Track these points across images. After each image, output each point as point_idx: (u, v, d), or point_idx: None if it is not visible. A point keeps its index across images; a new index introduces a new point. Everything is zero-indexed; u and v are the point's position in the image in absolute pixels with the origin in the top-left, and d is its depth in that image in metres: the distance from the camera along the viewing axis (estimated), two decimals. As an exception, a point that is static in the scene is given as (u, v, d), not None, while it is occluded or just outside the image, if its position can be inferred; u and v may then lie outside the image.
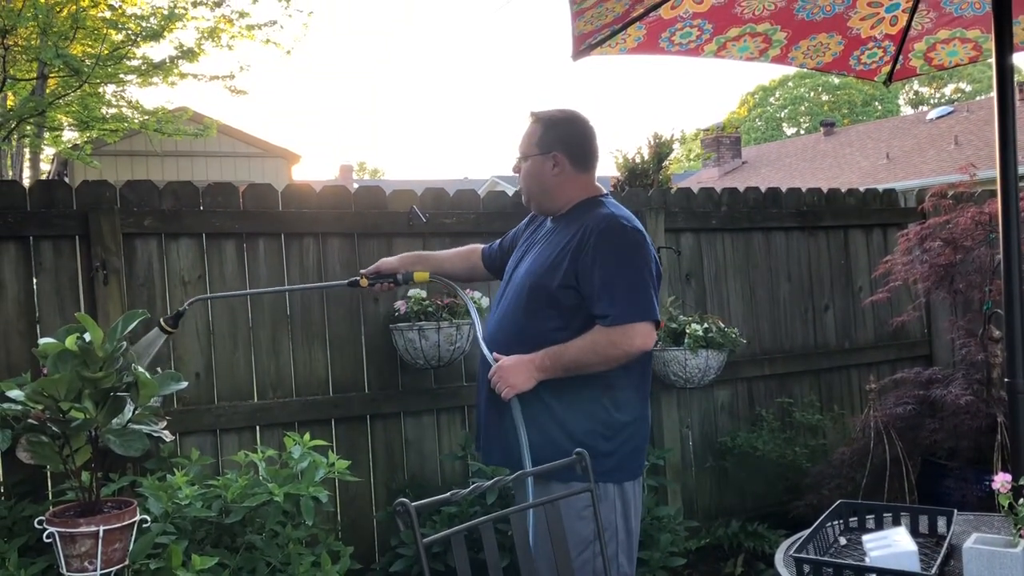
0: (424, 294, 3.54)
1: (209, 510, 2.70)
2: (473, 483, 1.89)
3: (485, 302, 3.58)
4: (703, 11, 2.67)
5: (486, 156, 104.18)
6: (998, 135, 2.14)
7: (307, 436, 2.94)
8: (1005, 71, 2.17)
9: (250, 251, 3.48)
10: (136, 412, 2.35)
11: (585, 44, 2.69)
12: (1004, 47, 2.20)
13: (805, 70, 3.21)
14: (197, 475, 2.86)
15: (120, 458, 2.56)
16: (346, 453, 3.47)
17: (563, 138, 2.49)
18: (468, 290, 3.58)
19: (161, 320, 2.84)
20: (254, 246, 3.49)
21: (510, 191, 4.31)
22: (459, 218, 3.84)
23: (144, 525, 2.43)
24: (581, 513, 2.32)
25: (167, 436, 2.47)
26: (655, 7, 2.60)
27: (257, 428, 3.45)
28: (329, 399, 3.56)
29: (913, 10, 2.84)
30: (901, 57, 3.06)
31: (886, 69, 3.12)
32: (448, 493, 1.73)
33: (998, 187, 2.16)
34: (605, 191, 2.58)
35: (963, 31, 2.91)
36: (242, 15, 10.68)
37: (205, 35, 10.61)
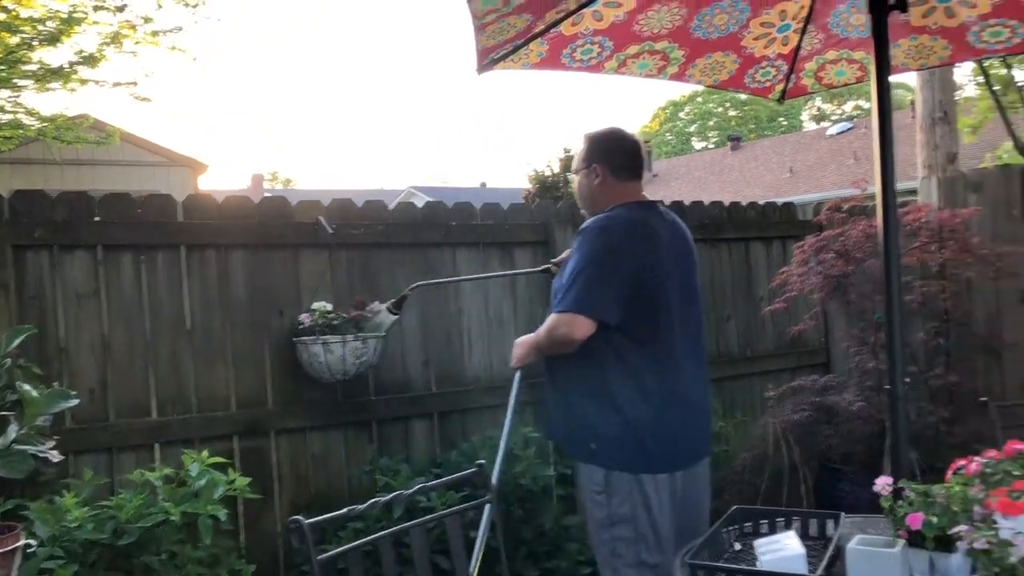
0: (330, 306, 3.51)
1: (101, 532, 2.62)
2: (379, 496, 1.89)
3: (389, 320, 3.56)
4: (603, 28, 2.71)
5: (403, 166, 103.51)
6: (878, 152, 2.24)
7: (205, 453, 2.87)
8: (883, 91, 2.28)
9: (148, 264, 3.39)
10: (21, 432, 2.26)
11: (488, 58, 2.70)
12: (882, 71, 2.31)
13: (704, 87, 3.30)
14: (89, 496, 2.76)
15: (7, 481, 2.45)
16: (249, 470, 3.39)
17: (603, 151, 2.75)
18: (375, 303, 3.58)
19: (388, 305, 3.47)
20: (152, 258, 3.40)
21: (422, 202, 4.31)
22: (367, 229, 3.82)
23: (29, 550, 2.33)
24: (595, 497, 2.57)
25: (55, 456, 2.38)
26: (556, 23, 2.64)
27: (156, 446, 3.35)
28: (231, 415, 3.48)
29: (803, 31, 2.95)
30: (793, 76, 3.17)
31: (779, 87, 3.23)
32: (345, 509, 1.72)
33: (878, 201, 2.26)
34: (647, 199, 2.76)
35: (849, 52, 3.04)
36: (146, 20, 10.38)
37: (107, 40, 10.28)
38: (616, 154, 2.74)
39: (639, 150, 2.79)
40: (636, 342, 2.53)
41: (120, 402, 3.30)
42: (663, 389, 2.58)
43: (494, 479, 2.76)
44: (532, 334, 2.74)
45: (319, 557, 1.58)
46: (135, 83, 10.98)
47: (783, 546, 2.02)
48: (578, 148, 2.87)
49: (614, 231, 2.55)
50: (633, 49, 2.83)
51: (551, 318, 2.54)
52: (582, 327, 2.46)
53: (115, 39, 10.32)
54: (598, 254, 2.51)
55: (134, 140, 14.59)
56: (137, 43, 10.57)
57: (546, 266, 3.22)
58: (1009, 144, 5.35)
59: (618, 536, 2.54)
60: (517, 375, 2.87)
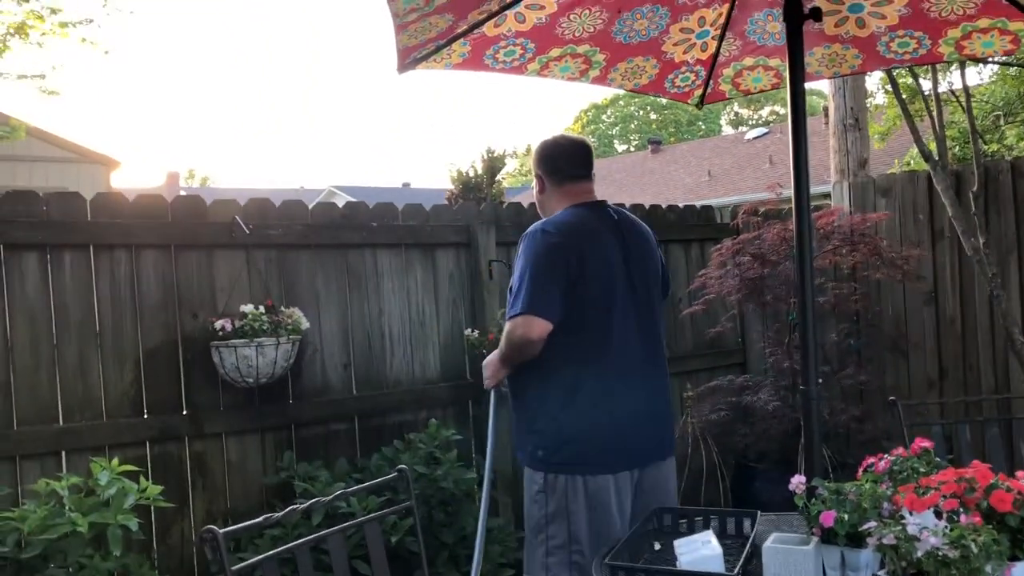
0: (261, 308, 3.42)
1: (3, 545, 2.50)
2: (297, 503, 1.85)
3: (304, 324, 3.50)
4: (525, 30, 2.71)
5: (325, 166, 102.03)
6: (792, 157, 2.30)
7: (115, 461, 2.77)
8: (797, 99, 2.34)
9: (55, 264, 3.25)
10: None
11: (410, 58, 2.68)
12: (797, 78, 2.37)
13: (625, 91, 3.33)
14: (-10, 507, 2.64)
15: None
16: (162, 477, 3.30)
17: (541, 160, 2.84)
18: (292, 307, 3.51)
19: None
20: (59, 259, 3.26)
21: (343, 202, 4.24)
22: (286, 229, 3.74)
23: (-77, 566, 2.21)
24: (535, 497, 2.64)
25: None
26: (478, 24, 2.62)
27: (63, 453, 3.23)
28: (143, 421, 3.37)
29: (721, 38, 3.00)
30: (711, 81, 3.23)
31: (698, 92, 3.28)
32: (261, 517, 1.67)
33: (793, 205, 2.31)
34: (592, 199, 2.78)
35: (766, 59, 3.11)
36: (54, 11, 10.01)
37: (12, 30, 9.87)
38: (552, 159, 2.81)
39: (579, 151, 2.84)
40: (578, 343, 2.56)
41: (24, 408, 3.16)
42: (604, 391, 2.59)
43: (482, 508, 2.94)
44: (496, 351, 2.76)
45: (234, 567, 1.53)
46: (43, 76, 10.57)
47: (701, 545, 2.04)
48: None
49: (551, 232, 2.60)
50: (555, 52, 2.83)
51: (506, 325, 2.58)
52: (538, 327, 2.50)
53: (20, 29, 9.91)
54: (540, 256, 2.56)
55: (42, 135, 14.05)
56: (44, 34, 10.17)
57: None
58: (915, 151, 5.57)
59: (551, 535, 2.58)
60: (492, 394, 2.97)
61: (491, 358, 2.80)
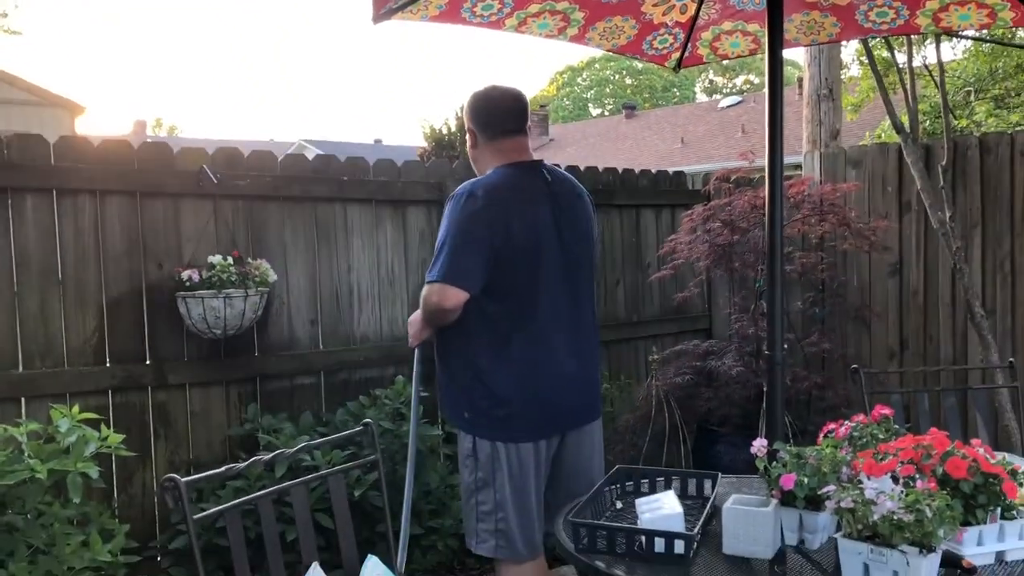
0: (230, 260, 3.37)
1: (-41, 490, 2.47)
2: (261, 455, 1.84)
3: (272, 276, 3.47)
4: (504, -16, 2.67)
5: (295, 119, 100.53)
6: (767, 123, 2.30)
7: (75, 408, 2.74)
8: (776, 64, 2.34)
9: (16, 208, 3.18)
10: None
11: (386, 8, 2.62)
12: (775, 43, 2.36)
13: (603, 52, 3.29)
14: (-54, 453, 2.60)
15: None
16: (124, 427, 3.27)
17: (472, 113, 2.69)
18: (259, 259, 3.47)
19: None
20: (21, 203, 3.19)
21: (314, 156, 4.18)
22: (254, 180, 3.69)
23: None
24: (464, 461, 2.63)
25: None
26: (456, -24, 2.58)
27: (23, 400, 3.18)
28: (106, 369, 3.33)
29: (701, 0, 2.98)
30: (690, 45, 3.21)
31: (676, 55, 3.26)
32: (224, 467, 1.67)
33: (767, 173, 2.32)
34: (526, 158, 2.66)
35: (744, 24, 3.09)
36: (18, -52, 9.71)
37: (-27, -34, 9.57)
38: (483, 113, 2.67)
39: (513, 104, 2.68)
40: (504, 308, 2.51)
41: (-18, 354, 3.11)
42: (529, 357, 2.56)
43: (409, 459, 2.84)
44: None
45: (195, 516, 1.53)
46: (4, 15, 10.29)
47: (662, 505, 2.07)
48: None
49: (477, 196, 2.49)
50: (534, 8, 2.80)
51: (424, 289, 2.52)
52: (451, 297, 2.44)
53: (-18, -35, 9.61)
54: (462, 222, 2.47)
55: (3, 76, 13.68)
56: (7, -29, 9.87)
57: None
58: (888, 123, 5.62)
59: (481, 501, 2.57)
60: (416, 352, 2.86)
61: (415, 316, 2.70)
